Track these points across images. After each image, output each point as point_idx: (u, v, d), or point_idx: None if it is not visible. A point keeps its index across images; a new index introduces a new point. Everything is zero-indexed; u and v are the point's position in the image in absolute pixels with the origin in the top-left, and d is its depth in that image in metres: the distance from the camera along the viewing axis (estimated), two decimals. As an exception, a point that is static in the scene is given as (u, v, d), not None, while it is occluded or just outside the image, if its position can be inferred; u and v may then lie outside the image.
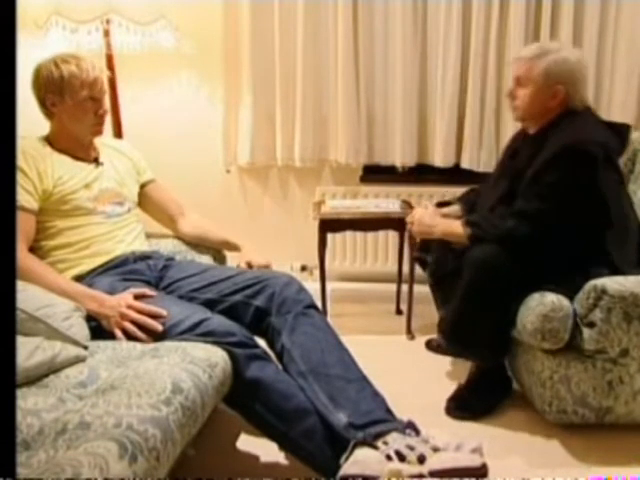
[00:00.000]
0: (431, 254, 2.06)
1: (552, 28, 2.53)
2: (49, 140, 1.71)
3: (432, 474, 1.19)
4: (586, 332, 1.59)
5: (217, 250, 1.98)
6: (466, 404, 1.81)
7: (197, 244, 1.95)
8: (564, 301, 1.61)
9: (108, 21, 2.24)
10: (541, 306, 1.60)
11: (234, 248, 1.90)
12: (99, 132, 1.75)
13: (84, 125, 1.70)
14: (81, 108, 1.67)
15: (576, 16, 2.51)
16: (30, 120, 1.56)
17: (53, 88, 1.64)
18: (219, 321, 1.43)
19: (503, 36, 2.56)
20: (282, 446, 1.46)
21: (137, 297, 1.49)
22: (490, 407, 1.81)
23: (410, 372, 2.09)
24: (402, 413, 1.39)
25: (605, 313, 1.55)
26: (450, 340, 1.80)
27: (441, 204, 2.11)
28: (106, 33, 2.28)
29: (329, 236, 2.35)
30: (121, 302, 1.46)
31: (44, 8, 2.16)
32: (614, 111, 2.61)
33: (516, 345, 1.78)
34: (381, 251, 2.84)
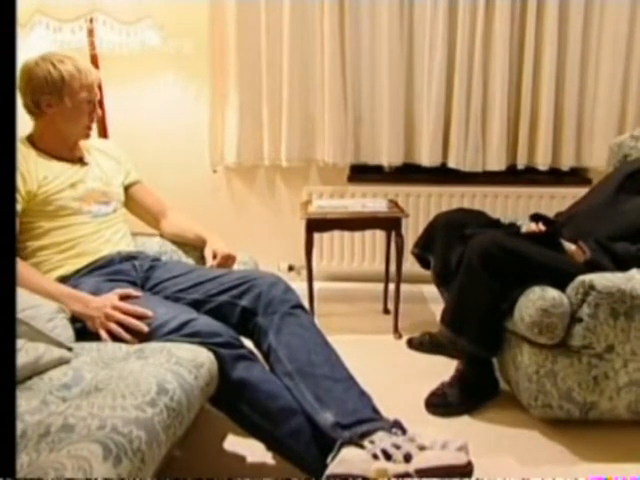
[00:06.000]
0: (434, 253, 2.07)
1: (537, 28, 2.56)
2: (32, 140, 1.68)
3: (418, 472, 1.19)
4: (574, 327, 1.60)
5: (202, 249, 1.95)
6: (446, 401, 1.82)
7: (181, 243, 1.93)
8: (565, 298, 1.61)
9: (92, 20, 2.22)
10: (542, 300, 1.60)
11: (203, 241, 1.87)
12: (89, 135, 1.76)
13: (77, 127, 1.70)
14: (78, 110, 1.67)
15: (561, 16, 2.54)
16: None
17: (51, 89, 1.61)
18: (205, 322, 1.42)
19: (489, 36, 2.58)
20: (269, 446, 1.46)
21: (122, 298, 1.48)
22: (470, 407, 1.82)
23: (397, 371, 2.09)
24: (388, 412, 1.39)
25: (593, 309, 1.57)
26: (447, 324, 1.79)
27: (538, 217, 2.06)
28: (90, 32, 2.26)
29: (316, 236, 2.34)
30: (106, 303, 1.44)
31: (27, 6, 2.13)
32: (598, 112, 2.64)
33: (506, 340, 1.79)
34: (368, 251, 2.84)
